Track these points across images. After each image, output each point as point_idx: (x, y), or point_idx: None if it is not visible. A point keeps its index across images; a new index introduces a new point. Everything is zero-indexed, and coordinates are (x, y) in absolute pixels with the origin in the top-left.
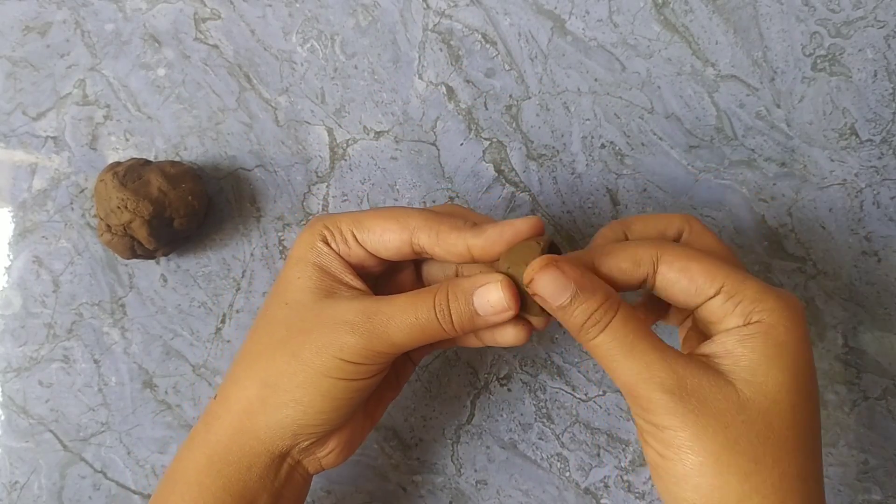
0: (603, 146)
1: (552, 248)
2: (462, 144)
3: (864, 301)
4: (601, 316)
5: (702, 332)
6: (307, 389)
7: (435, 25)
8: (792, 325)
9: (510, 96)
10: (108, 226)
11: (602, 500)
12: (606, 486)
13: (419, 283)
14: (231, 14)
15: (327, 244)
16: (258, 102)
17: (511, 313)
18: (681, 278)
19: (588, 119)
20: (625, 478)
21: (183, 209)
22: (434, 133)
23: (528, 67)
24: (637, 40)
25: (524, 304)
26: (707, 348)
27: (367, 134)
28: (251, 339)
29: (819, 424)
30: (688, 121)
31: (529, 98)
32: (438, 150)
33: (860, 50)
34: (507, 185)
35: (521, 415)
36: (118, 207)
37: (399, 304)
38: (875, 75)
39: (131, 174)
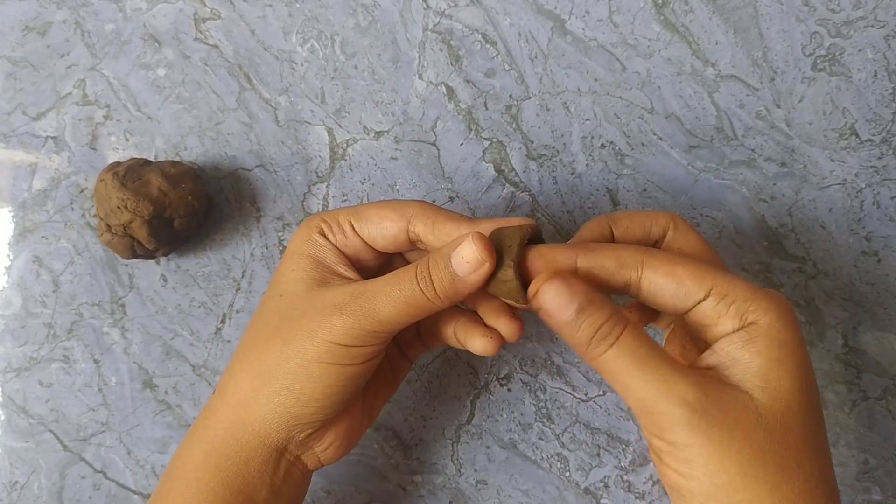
0: (603, 146)
1: (536, 236)
2: (462, 144)
3: (864, 301)
4: (609, 330)
5: (689, 338)
6: (299, 376)
7: (435, 25)
8: (788, 322)
9: (510, 96)
10: (108, 226)
11: (602, 500)
12: (606, 486)
13: None
14: (231, 14)
15: (324, 236)
16: (258, 102)
17: (488, 266)
18: (668, 282)
19: (588, 119)
20: (625, 478)
21: (183, 209)
22: (434, 133)
23: (528, 67)
24: (637, 40)
25: (497, 284)
26: (710, 359)
27: (367, 134)
28: (247, 333)
29: (824, 421)
30: (688, 121)
31: (529, 98)
32: (438, 150)
33: (860, 50)
34: (507, 185)
35: (521, 415)
36: (118, 207)
37: (384, 281)
38: (875, 75)
39: (131, 174)
